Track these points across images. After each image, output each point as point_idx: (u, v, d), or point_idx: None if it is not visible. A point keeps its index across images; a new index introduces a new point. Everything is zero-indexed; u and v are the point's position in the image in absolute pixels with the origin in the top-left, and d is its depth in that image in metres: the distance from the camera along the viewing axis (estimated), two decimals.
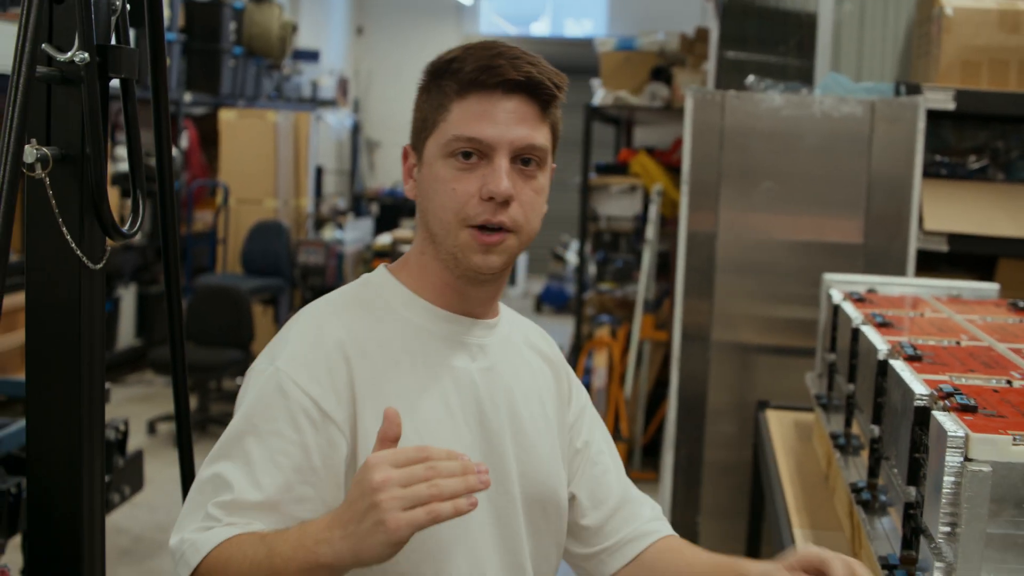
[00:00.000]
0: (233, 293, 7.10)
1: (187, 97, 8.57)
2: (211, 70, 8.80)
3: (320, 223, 9.24)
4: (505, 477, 1.60)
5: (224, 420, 7.28)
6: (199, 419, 7.15)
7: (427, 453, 1.26)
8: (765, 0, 5.10)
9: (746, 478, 3.73)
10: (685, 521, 3.92)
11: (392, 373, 1.53)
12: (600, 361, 6.66)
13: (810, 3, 4.74)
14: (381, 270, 1.65)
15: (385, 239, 10.56)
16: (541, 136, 1.54)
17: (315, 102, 10.83)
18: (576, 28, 15.73)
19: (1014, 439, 1.46)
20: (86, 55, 1.71)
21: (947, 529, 1.48)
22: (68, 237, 1.75)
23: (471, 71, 1.50)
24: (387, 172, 14.71)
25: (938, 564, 1.49)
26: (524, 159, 1.53)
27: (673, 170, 7.29)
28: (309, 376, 1.47)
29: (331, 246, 8.44)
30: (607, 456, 1.80)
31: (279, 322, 8.21)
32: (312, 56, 11.08)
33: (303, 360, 1.48)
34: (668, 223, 6.83)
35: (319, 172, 9.97)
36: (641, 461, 6.51)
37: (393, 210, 12.25)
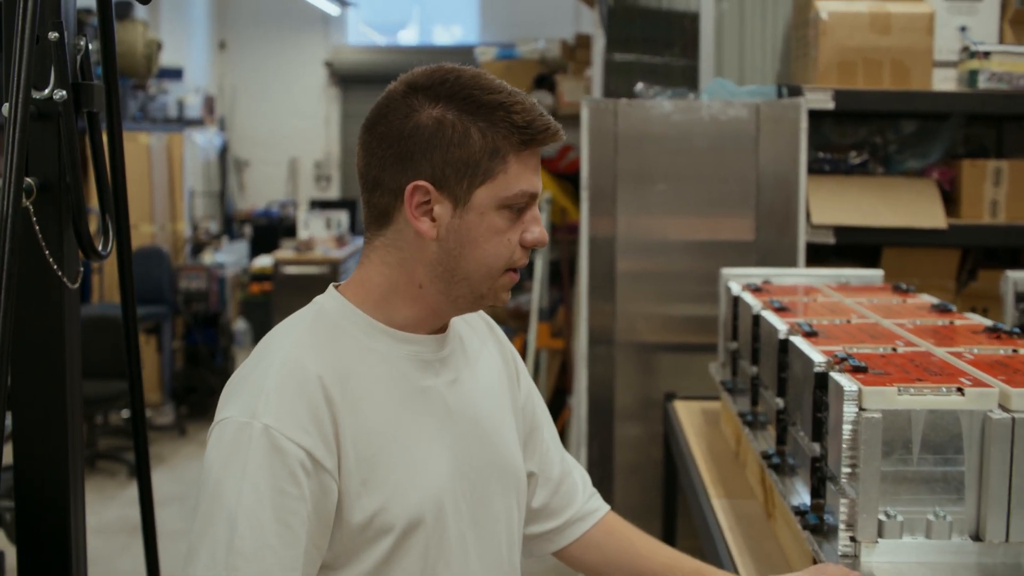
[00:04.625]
0: (116, 323, 7.09)
1: None
2: None
3: (198, 247, 9.37)
4: (477, 478, 1.75)
5: (113, 455, 7.40)
6: (87, 455, 7.23)
7: None
8: (648, 2, 5.48)
9: (656, 477, 4.01)
10: None
11: (367, 405, 1.61)
12: None
13: (692, 3, 5.09)
14: (334, 295, 1.70)
15: (265, 261, 10.69)
16: None
17: (182, 121, 10.95)
18: (445, 35, 15.96)
19: (898, 390, 1.83)
20: (64, 92, 1.99)
21: (848, 471, 1.85)
22: (50, 260, 2.02)
23: (530, 127, 1.59)
24: (258, 192, 14.73)
25: (843, 501, 1.85)
26: None
27: (561, 177, 7.64)
28: (299, 427, 1.53)
29: (212, 270, 8.54)
30: (547, 431, 2.02)
31: (162, 352, 8.31)
32: (176, 74, 11.17)
33: (289, 410, 1.54)
34: (558, 230, 7.17)
35: (191, 195, 10.13)
36: None
37: (268, 231, 12.37)
